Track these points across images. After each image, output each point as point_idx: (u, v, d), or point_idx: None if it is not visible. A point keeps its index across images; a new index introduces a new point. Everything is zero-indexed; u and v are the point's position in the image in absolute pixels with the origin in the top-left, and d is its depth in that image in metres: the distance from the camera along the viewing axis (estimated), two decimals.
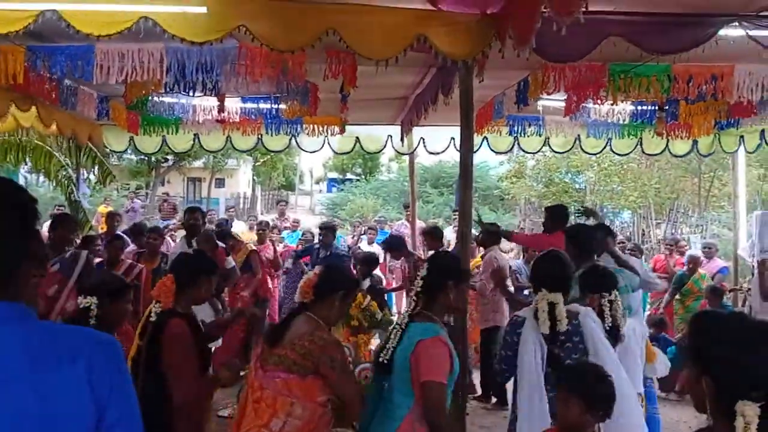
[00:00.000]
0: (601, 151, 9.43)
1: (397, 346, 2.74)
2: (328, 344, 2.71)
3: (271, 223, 10.09)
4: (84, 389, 1.23)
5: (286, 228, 11.12)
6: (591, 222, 5.86)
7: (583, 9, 2.83)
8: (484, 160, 29.06)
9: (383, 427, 2.73)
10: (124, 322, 3.57)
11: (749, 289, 8.36)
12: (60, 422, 1.21)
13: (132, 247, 7.12)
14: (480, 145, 8.65)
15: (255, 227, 9.27)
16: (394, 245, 7.72)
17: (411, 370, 2.66)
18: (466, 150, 4.25)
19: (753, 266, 9.21)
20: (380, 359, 2.79)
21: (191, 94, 5.75)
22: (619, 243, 10.12)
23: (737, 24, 3.94)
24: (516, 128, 8.02)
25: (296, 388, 2.67)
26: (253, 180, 42.83)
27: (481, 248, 7.21)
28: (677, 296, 8.21)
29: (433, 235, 7.45)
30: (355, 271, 6.89)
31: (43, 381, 1.20)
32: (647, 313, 8.15)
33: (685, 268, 8.30)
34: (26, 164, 10.78)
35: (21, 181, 24.85)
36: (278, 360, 2.69)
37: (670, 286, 8.29)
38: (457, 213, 9.58)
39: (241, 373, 3.05)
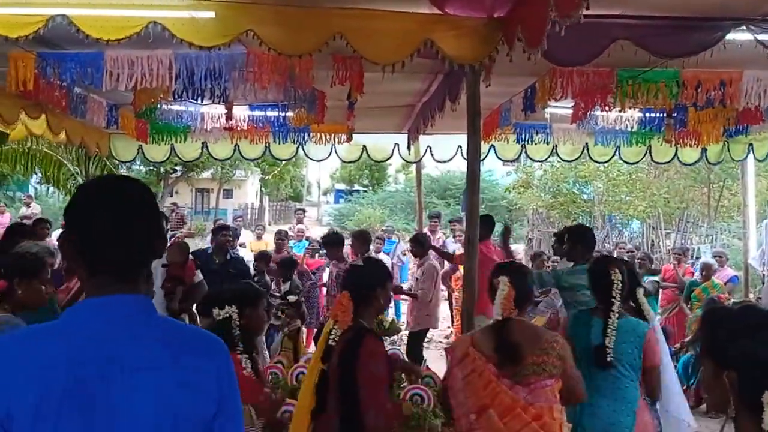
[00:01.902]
0: (609, 160, 9.40)
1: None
2: (561, 340, 2.84)
3: (289, 233, 10.12)
4: (213, 381, 1.33)
5: (291, 237, 11.15)
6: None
7: (589, 12, 2.82)
8: (491, 170, 29.07)
9: None
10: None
11: (759, 297, 8.30)
12: (192, 411, 1.29)
13: None
14: (487, 153, 8.65)
15: (274, 237, 9.33)
16: (420, 241, 7.66)
17: None
18: (473, 155, 4.24)
19: (763, 275, 9.17)
20: None
21: (200, 101, 5.78)
22: (628, 252, 10.12)
23: (745, 28, 3.93)
24: (523, 136, 8.00)
25: (556, 390, 2.75)
26: (261, 191, 42.95)
27: (417, 258, 7.65)
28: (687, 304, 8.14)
29: (361, 239, 7.48)
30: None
31: (185, 368, 1.29)
32: (658, 321, 8.07)
33: (698, 275, 8.18)
34: (36, 174, 10.85)
35: (31, 192, 25.04)
36: (538, 369, 2.71)
37: (681, 295, 8.23)
38: (454, 224, 9.59)
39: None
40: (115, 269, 1.33)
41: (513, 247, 7.67)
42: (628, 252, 10.03)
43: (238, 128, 7.22)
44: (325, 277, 8.22)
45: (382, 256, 11.40)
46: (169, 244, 6.46)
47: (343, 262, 7.24)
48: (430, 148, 8.92)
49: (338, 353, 2.82)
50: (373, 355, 2.74)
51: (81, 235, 1.33)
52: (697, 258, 10.33)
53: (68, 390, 1.21)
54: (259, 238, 11.39)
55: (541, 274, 5.43)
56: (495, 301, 2.86)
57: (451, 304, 9.66)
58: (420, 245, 7.51)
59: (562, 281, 5.26)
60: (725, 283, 8.15)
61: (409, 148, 8.81)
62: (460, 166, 7.48)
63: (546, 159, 9.79)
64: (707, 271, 8.01)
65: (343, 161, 11.63)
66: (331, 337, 2.86)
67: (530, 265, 9.10)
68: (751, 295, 9.03)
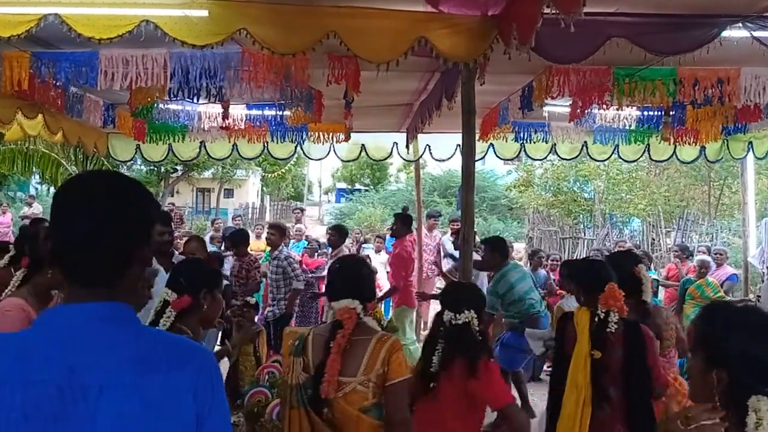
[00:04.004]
0: (608, 158, 9.39)
1: None
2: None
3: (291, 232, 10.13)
4: (188, 398, 1.22)
5: (290, 237, 11.15)
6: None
7: (584, 10, 2.80)
8: (492, 169, 29.07)
9: None
10: None
11: (759, 296, 8.27)
12: (162, 428, 1.19)
13: None
14: (486, 152, 8.64)
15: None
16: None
17: None
18: (468, 153, 4.22)
19: (763, 273, 9.13)
20: None
21: (195, 100, 5.77)
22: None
23: (741, 25, 3.91)
24: (522, 135, 7.99)
25: None
26: (262, 190, 42.98)
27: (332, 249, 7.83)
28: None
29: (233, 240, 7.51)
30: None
31: (150, 386, 1.19)
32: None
33: (695, 273, 8.15)
34: (35, 174, 10.85)
35: (32, 192, 25.08)
36: None
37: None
38: (453, 224, 9.60)
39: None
40: (87, 275, 1.24)
41: (515, 246, 7.73)
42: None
43: (236, 127, 7.21)
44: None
45: (383, 255, 11.44)
46: (186, 240, 6.55)
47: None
48: (429, 146, 8.92)
49: (627, 340, 3.15)
50: (651, 339, 3.29)
51: (54, 238, 1.26)
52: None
53: (25, 414, 1.14)
54: (258, 237, 11.38)
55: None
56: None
57: None
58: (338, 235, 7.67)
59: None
60: (723, 282, 8.12)
61: (407, 146, 8.80)
62: (461, 164, 7.58)
63: (545, 158, 9.78)
64: (705, 268, 7.96)
65: (341, 160, 11.61)
66: (610, 326, 3.13)
67: (528, 263, 9.10)
68: (751, 294, 9.00)
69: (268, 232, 7.43)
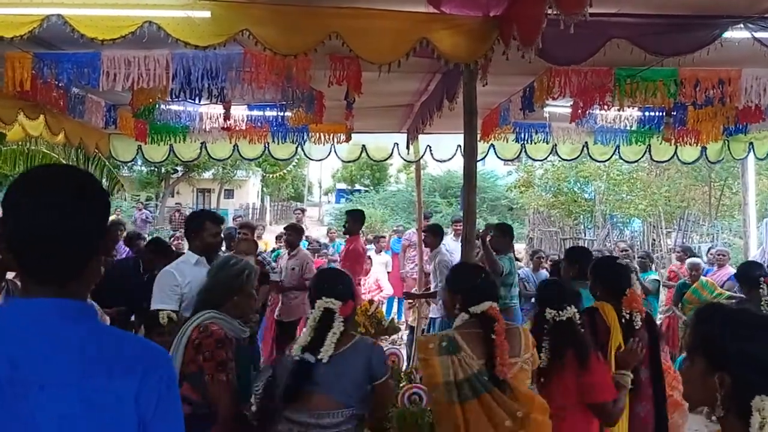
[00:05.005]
0: (609, 158, 9.38)
1: None
2: None
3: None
4: (130, 403, 1.20)
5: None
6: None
7: (588, 10, 2.80)
8: (492, 170, 29.06)
9: None
10: None
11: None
12: (100, 431, 1.18)
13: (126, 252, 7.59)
14: (487, 153, 8.65)
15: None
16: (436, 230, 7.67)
17: None
18: (470, 154, 4.23)
19: None
20: None
21: (197, 101, 5.78)
22: (622, 251, 10.12)
23: (742, 26, 3.91)
24: (523, 135, 7.98)
25: None
26: (262, 191, 43.00)
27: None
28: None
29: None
30: None
31: (92, 388, 1.17)
32: (660, 321, 8.04)
33: (688, 276, 8.07)
34: None
35: None
36: None
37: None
38: (455, 224, 9.63)
39: None
40: (43, 270, 1.22)
41: (515, 246, 7.74)
42: (622, 251, 10.05)
43: (237, 128, 7.21)
44: None
45: (383, 255, 11.47)
46: (237, 239, 6.56)
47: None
48: (430, 147, 8.91)
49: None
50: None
51: (8, 233, 1.23)
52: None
53: None
54: (259, 238, 11.38)
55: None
56: None
57: None
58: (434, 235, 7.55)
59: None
60: (724, 282, 8.10)
61: (408, 147, 8.80)
62: (461, 165, 7.58)
63: (546, 158, 9.78)
64: (696, 271, 7.91)
65: (342, 161, 11.63)
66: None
67: (528, 264, 9.12)
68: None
69: (286, 233, 7.56)
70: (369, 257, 10.12)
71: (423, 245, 10.42)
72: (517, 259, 7.77)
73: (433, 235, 7.40)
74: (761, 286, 4.87)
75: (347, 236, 7.95)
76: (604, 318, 3.51)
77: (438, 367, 2.72)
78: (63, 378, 1.16)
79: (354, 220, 7.76)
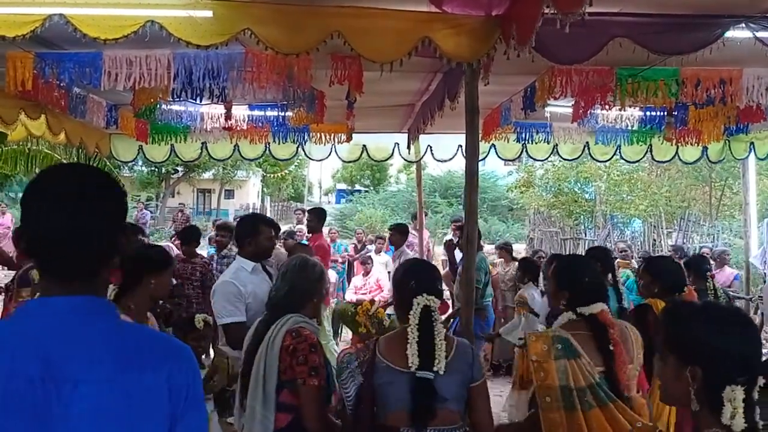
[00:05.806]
0: (610, 158, 9.37)
1: None
2: None
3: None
4: (164, 396, 1.22)
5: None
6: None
7: (587, 10, 2.81)
8: (493, 170, 29.07)
9: None
10: None
11: (761, 296, 8.27)
12: (138, 426, 1.19)
13: None
14: (488, 153, 8.64)
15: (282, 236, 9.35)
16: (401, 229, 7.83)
17: None
18: (472, 153, 4.22)
19: (764, 274, 9.14)
20: None
21: (198, 101, 5.78)
22: (621, 251, 10.11)
23: (744, 25, 3.91)
24: (524, 135, 7.99)
25: None
26: (263, 191, 43.02)
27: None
28: None
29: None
30: None
31: (125, 382, 1.19)
32: None
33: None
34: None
35: None
36: None
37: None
38: (455, 224, 9.63)
39: None
40: (67, 269, 1.23)
41: (515, 246, 7.78)
42: (621, 251, 10.04)
43: (238, 128, 7.21)
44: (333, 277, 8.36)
45: (383, 255, 11.47)
46: (293, 246, 6.64)
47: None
48: (431, 147, 8.92)
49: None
50: None
51: (29, 232, 1.24)
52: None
53: (4, 405, 1.13)
54: None
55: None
56: None
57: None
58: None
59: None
60: (731, 282, 8.10)
61: (409, 147, 8.80)
62: (461, 165, 7.60)
63: (547, 158, 9.78)
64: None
65: (343, 161, 11.63)
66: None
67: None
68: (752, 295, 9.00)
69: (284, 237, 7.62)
70: (370, 257, 10.13)
71: (421, 245, 10.50)
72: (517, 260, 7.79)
73: (398, 234, 7.44)
74: (708, 280, 4.93)
75: (310, 234, 7.80)
76: (656, 316, 3.40)
77: (554, 372, 2.56)
78: (97, 374, 1.17)
79: (317, 218, 7.75)
